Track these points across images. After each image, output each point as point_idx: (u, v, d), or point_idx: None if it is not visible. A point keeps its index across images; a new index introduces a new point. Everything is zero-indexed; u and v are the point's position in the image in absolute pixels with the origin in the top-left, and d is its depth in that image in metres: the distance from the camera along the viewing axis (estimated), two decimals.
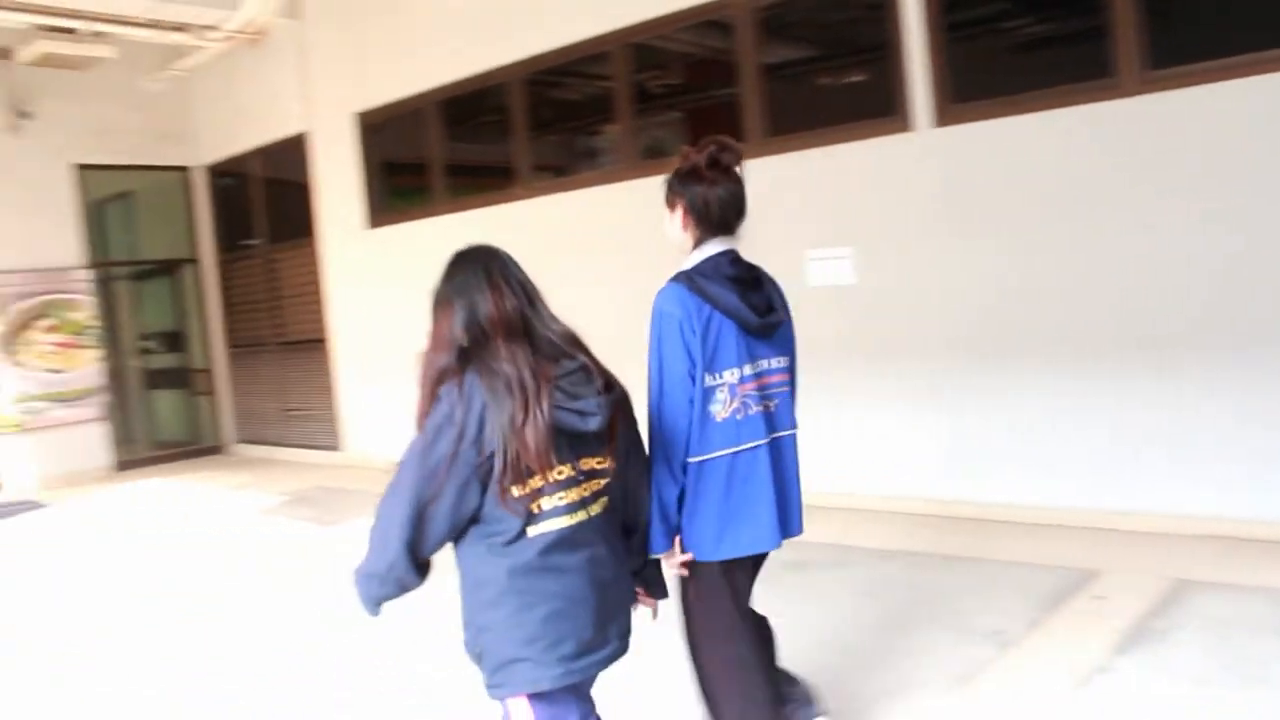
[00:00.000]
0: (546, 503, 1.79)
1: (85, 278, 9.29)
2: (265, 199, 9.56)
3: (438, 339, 1.85)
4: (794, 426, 2.31)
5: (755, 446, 2.16)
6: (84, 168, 9.36)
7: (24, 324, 8.88)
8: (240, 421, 10.24)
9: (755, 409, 2.17)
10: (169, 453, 10.10)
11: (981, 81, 4.94)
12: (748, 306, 2.17)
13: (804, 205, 5.58)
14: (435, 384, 1.81)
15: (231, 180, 9.97)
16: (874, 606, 3.88)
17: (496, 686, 1.84)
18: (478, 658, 1.87)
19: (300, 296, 9.18)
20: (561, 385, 1.79)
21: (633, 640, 1.94)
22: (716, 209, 2.21)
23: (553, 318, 1.89)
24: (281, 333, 9.51)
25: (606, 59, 6.41)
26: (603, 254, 6.49)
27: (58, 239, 9.15)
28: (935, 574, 4.23)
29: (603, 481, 1.90)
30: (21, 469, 8.80)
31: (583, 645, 1.82)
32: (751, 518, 2.18)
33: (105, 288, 9.80)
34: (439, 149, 7.74)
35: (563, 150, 7.29)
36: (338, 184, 8.57)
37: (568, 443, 1.80)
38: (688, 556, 2.19)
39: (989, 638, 3.43)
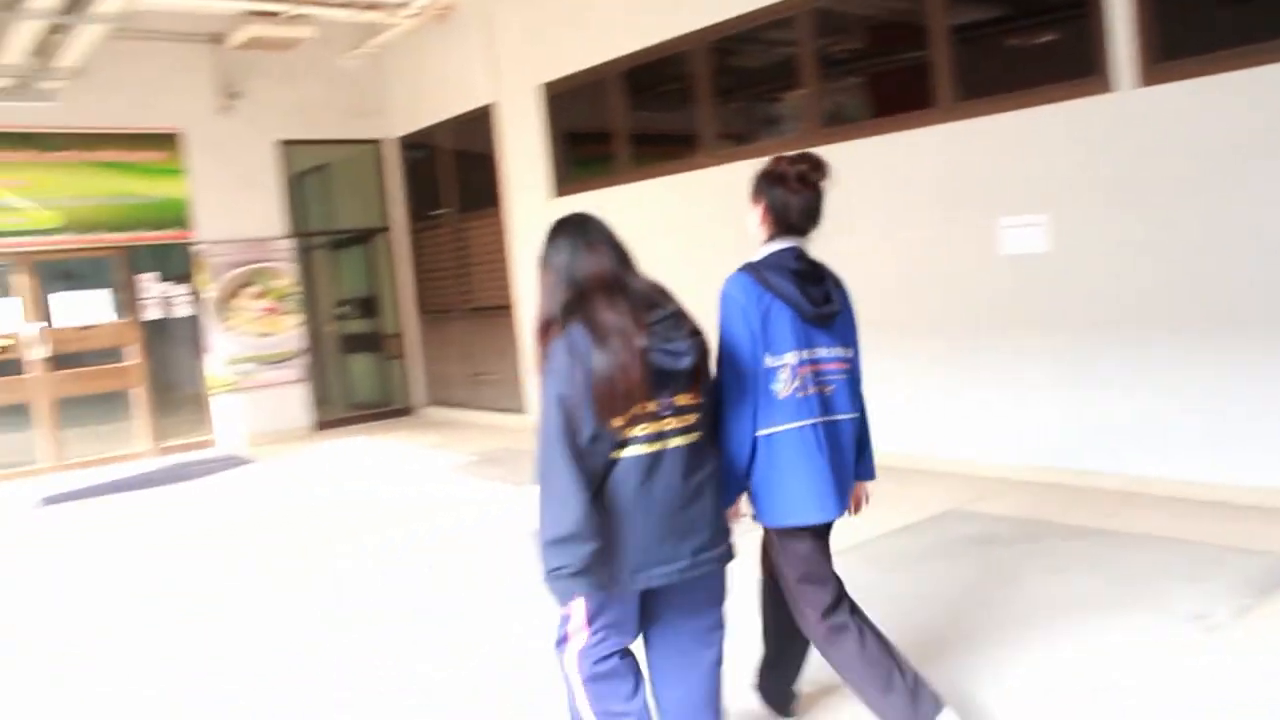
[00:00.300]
0: (635, 431, 2.16)
1: (287, 247, 10.46)
2: (453, 169, 10.40)
3: (544, 297, 2.28)
4: (854, 411, 2.61)
5: (814, 424, 2.48)
6: (286, 143, 10.50)
7: (234, 291, 10.10)
8: (430, 384, 11.24)
9: (812, 390, 2.50)
10: (363, 414, 11.28)
11: (1190, 38, 4.93)
12: (805, 297, 2.49)
13: (995, 171, 5.71)
14: (543, 336, 2.23)
15: (421, 152, 10.90)
16: (1064, 586, 4.00)
17: (555, 582, 2.18)
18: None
19: (487, 264, 9.98)
20: (656, 329, 2.18)
21: (712, 555, 2.28)
22: (795, 214, 2.56)
23: (642, 274, 2.28)
24: (469, 299, 10.37)
25: (790, 24, 6.69)
26: None
27: (263, 211, 10.33)
28: (1126, 552, 4.31)
29: (692, 417, 2.25)
30: (233, 426, 10.03)
31: (649, 555, 2.18)
32: (810, 490, 2.48)
33: (304, 256, 10.95)
34: (622, 118, 8.24)
35: (745, 117, 7.63)
36: (523, 154, 9.25)
37: (661, 380, 2.18)
38: (743, 513, 2.54)
39: (1193, 621, 3.48)
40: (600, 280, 2.22)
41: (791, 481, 2.49)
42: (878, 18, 6.50)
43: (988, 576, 4.19)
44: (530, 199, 9.25)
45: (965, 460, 6.09)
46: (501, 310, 9.83)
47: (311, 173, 11.55)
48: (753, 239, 2.64)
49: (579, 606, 2.24)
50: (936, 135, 6.02)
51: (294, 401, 10.44)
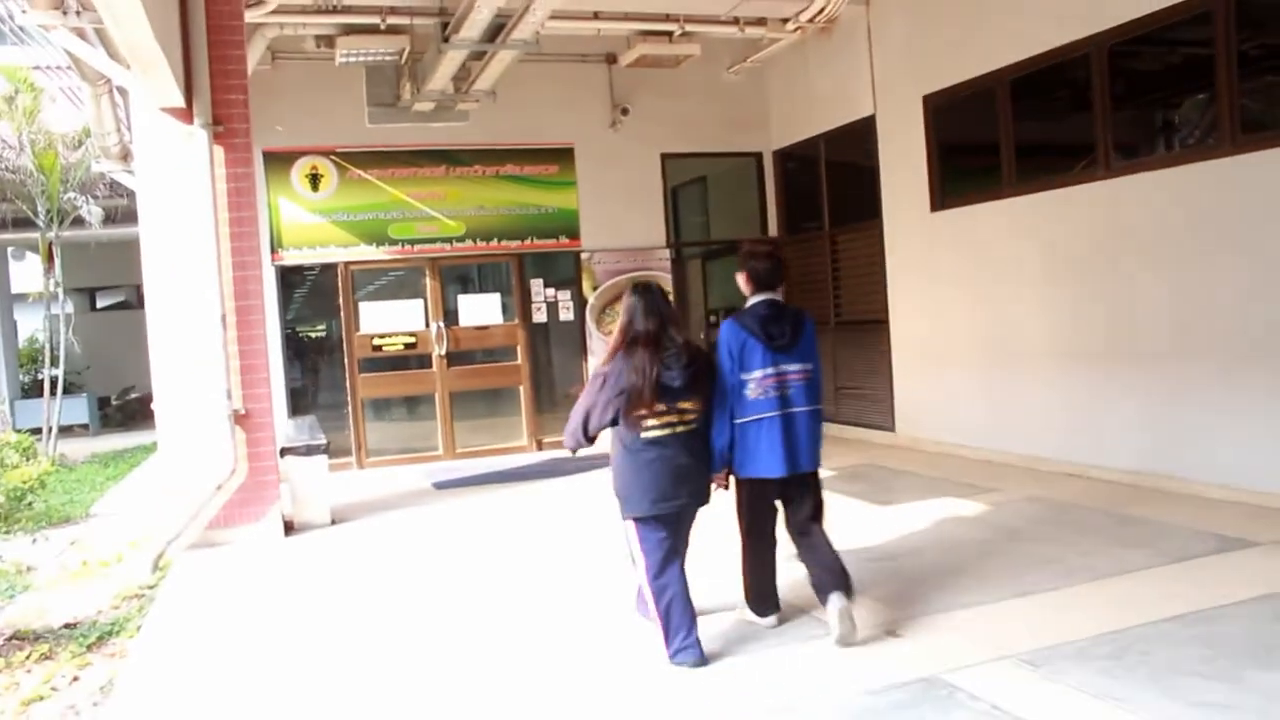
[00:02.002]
0: (650, 422, 4.42)
1: (666, 256, 11.84)
2: (830, 182, 11.31)
3: (619, 335, 4.52)
4: (809, 404, 4.70)
5: (772, 415, 4.62)
6: (668, 156, 11.95)
7: (614, 297, 11.61)
8: None
9: (773, 394, 4.63)
10: None
11: None
12: (765, 334, 4.65)
13: None
14: (610, 357, 4.49)
15: (798, 164, 11.94)
16: None
17: (621, 508, 4.58)
18: (618, 495, 4.58)
19: (861, 278, 10.80)
20: (667, 363, 4.41)
21: (696, 500, 4.57)
22: (765, 277, 4.80)
23: (676, 332, 4.52)
24: (841, 312, 11.26)
25: (1207, 20, 6.78)
26: (1190, 240, 7.03)
27: (647, 221, 11.87)
28: None
29: (690, 415, 4.51)
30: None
31: (661, 495, 4.45)
32: (764, 455, 4.63)
33: (678, 266, 12.28)
34: (1007, 129, 8.70)
35: (1140, 126, 7.76)
36: (903, 167, 9.96)
37: (667, 392, 4.42)
38: (721, 476, 4.70)
39: None
40: (646, 337, 4.46)
41: (752, 450, 4.66)
42: None
43: None
44: (908, 213, 9.92)
45: None
46: (874, 325, 10.60)
47: (689, 185, 12.94)
48: (747, 295, 4.84)
49: (631, 525, 4.58)
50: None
51: None
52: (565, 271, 11.68)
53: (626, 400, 4.38)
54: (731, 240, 12.73)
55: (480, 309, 11.56)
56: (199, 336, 7.37)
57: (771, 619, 4.95)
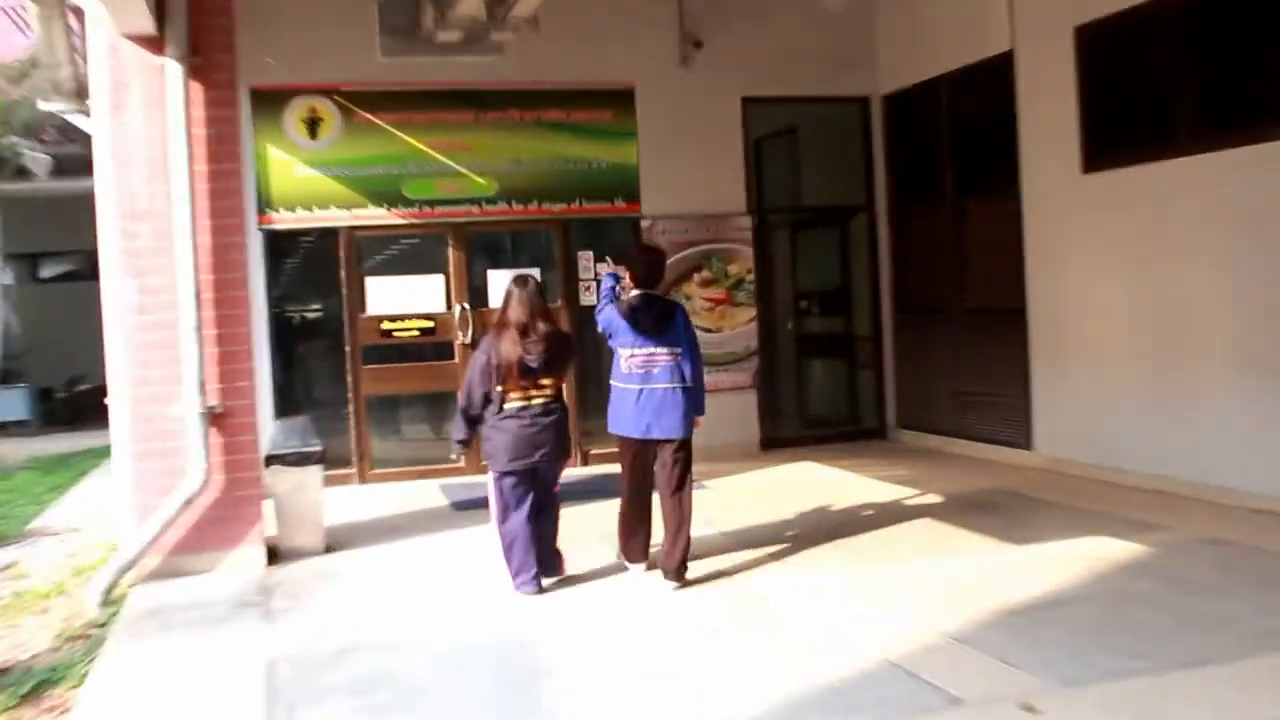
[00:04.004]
0: (513, 394, 6.66)
1: (746, 226, 11.77)
2: (953, 136, 11.11)
3: (499, 317, 6.82)
4: (671, 383, 6.73)
5: (636, 388, 6.74)
6: (751, 101, 11.86)
7: (681, 275, 11.52)
8: (905, 402, 12.17)
9: (638, 370, 6.76)
10: (820, 433, 12.47)
11: None
12: (635, 319, 6.79)
13: None
14: (487, 335, 6.90)
15: (913, 113, 11.76)
16: None
17: (487, 464, 6.88)
18: (484, 454, 6.89)
19: (991, 255, 10.64)
20: (528, 347, 6.61)
21: (550, 458, 6.74)
22: (645, 278, 6.98)
23: (544, 323, 6.69)
24: (965, 299, 11.10)
25: None
26: None
27: (722, 182, 11.77)
28: None
29: (546, 391, 6.73)
30: None
31: (518, 454, 6.64)
32: (628, 419, 6.79)
33: (762, 237, 12.13)
34: (1185, 69, 8.47)
35: None
36: (1046, 117, 9.79)
37: (527, 372, 6.62)
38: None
39: None
40: (516, 323, 6.64)
41: (617, 412, 6.86)
42: None
43: None
44: (1053, 175, 9.76)
45: None
46: (1007, 314, 10.43)
47: (776, 137, 12.82)
48: (629, 288, 7.03)
49: (493, 479, 6.80)
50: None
51: (739, 412, 11.76)
52: (621, 242, 11.57)
53: (495, 375, 6.61)
54: (829, 207, 12.62)
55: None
56: (166, 316, 7.35)
57: (639, 565, 6.99)
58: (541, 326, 6.67)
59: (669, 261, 11.29)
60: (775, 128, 12.67)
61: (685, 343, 6.86)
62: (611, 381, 6.95)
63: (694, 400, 6.89)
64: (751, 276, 11.86)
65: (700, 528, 7.16)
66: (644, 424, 6.75)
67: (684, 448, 6.84)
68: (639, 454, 6.90)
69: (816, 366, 13.25)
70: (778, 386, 12.65)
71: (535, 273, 11.16)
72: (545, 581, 6.73)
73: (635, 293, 6.97)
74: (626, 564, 7.01)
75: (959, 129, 11.11)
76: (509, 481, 6.69)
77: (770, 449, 11.83)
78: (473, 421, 6.83)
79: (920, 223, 11.64)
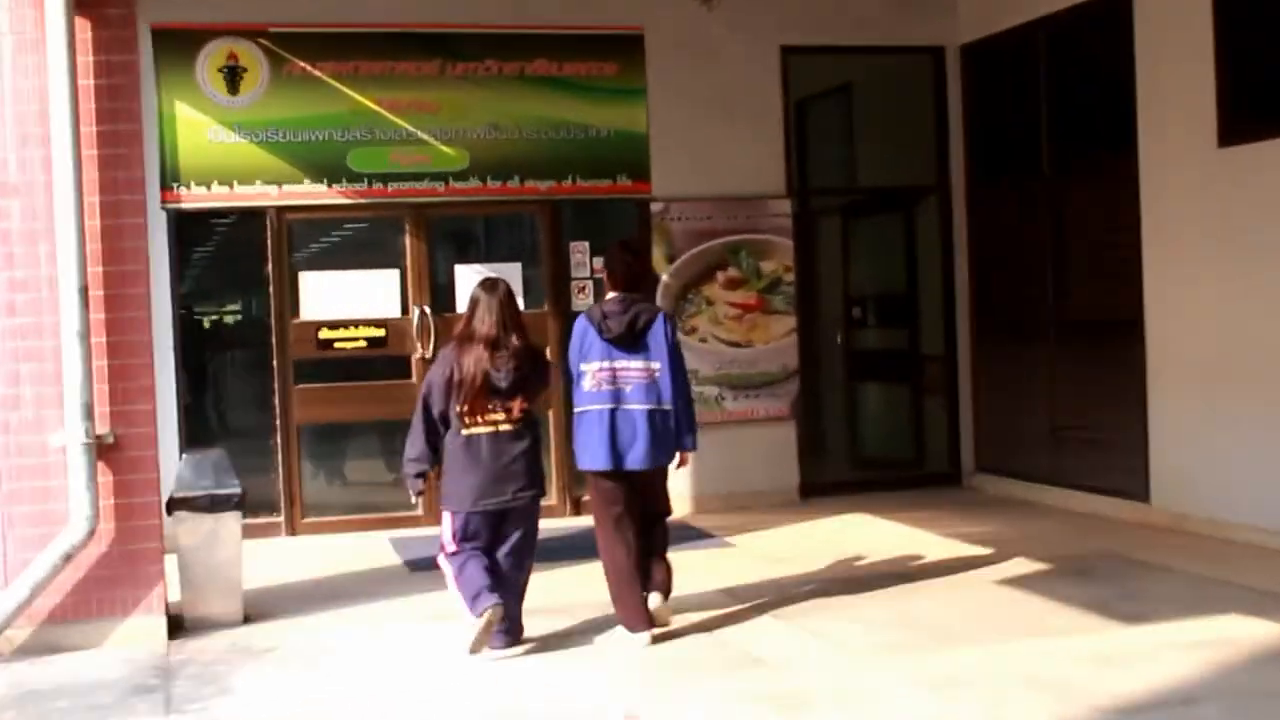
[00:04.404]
0: (476, 419, 7.03)
1: (784, 212, 11.75)
2: (1052, 97, 11.11)
3: (462, 327, 7.23)
4: (646, 403, 7.10)
5: (602, 409, 7.08)
6: (791, 52, 11.85)
7: (701, 274, 11.51)
8: (985, 440, 12.16)
9: (606, 387, 7.11)
10: (876, 477, 12.47)
11: None
12: (604, 325, 7.13)
13: None
14: (446, 347, 7.43)
15: (1000, 67, 11.77)
16: None
17: (444, 502, 7.24)
18: (443, 490, 7.28)
19: (1099, 252, 10.66)
20: (496, 363, 6.98)
21: (526, 499, 7.15)
22: (626, 281, 7.37)
23: (515, 337, 7.07)
24: (1064, 308, 11.06)
25: None
26: None
27: (754, 156, 11.78)
28: None
29: (513, 415, 7.07)
30: (676, 478, 11.33)
31: (486, 493, 7.02)
32: (595, 448, 7.09)
33: (804, 226, 12.10)
34: None
35: None
36: (1174, 74, 9.77)
37: (494, 392, 7.01)
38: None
39: None
40: (485, 336, 7.02)
41: (585, 441, 7.16)
42: None
43: None
44: (1181, 147, 9.75)
45: None
46: (1118, 328, 10.42)
47: (824, 98, 12.80)
48: (606, 290, 7.57)
49: (447, 517, 7.17)
50: None
51: (774, 449, 11.78)
52: (624, 230, 11.53)
53: (456, 394, 6.99)
54: (890, 188, 12.59)
55: None
56: (42, 319, 7.31)
57: (643, 634, 7.12)
58: (513, 341, 7.06)
59: (686, 255, 11.44)
60: (823, 86, 12.69)
61: (665, 357, 7.20)
62: (575, 408, 7.30)
63: (678, 426, 7.27)
64: (791, 276, 11.84)
65: (721, 598, 7.37)
66: (614, 453, 7.05)
67: (662, 479, 7.45)
68: (612, 493, 7.20)
69: (872, 392, 13.20)
70: (823, 417, 12.59)
71: (515, 270, 11.26)
72: (506, 651, 6.99)
73: (611, 296, 7.36)
74: (630, 634, 7.11)
75: (1059, 89, 11.07)
76: (472, 525, 7.05)
77: (813, 497, 11.78)
78: (433, 448, 7.19)
79: (1007, 209, 11.63)
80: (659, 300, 11.40)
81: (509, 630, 6.99)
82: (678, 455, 7.41)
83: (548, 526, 10.49)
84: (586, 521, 10.66)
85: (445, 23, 10.95)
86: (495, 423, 6.98)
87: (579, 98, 11.44)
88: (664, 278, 11.49)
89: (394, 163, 11.06)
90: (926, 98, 12.37)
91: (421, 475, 7.26)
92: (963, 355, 12.26)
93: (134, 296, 7.54)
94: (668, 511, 7.57)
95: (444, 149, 11.14)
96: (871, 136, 13.09)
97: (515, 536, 7.17)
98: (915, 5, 12.02)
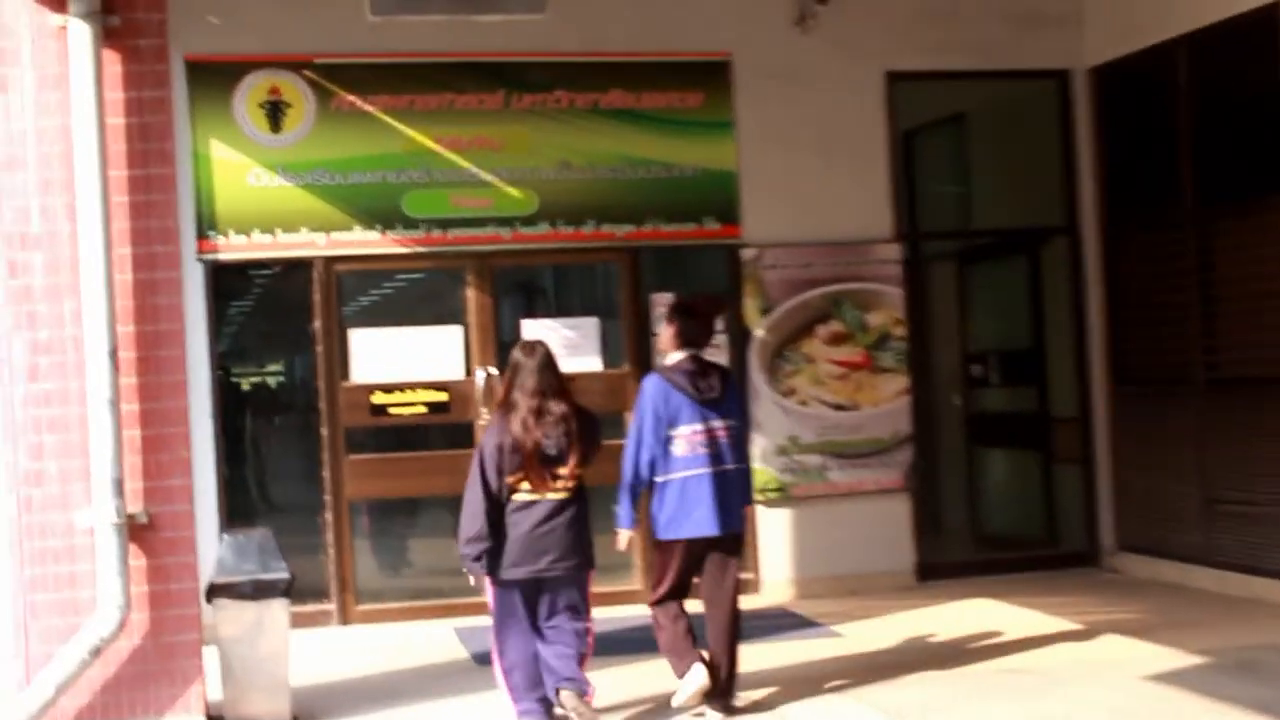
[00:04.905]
0: (523, 486, 7.39)
1: (894, 258, 11.68)
2: (1195, 124, 10.99)
3: (503, 395, 7.71)
4: (738, 462, 7.84)
5: (704, 472, 7.59)
6: (896, 78, 11.79)
7: (800, 328, 11.42)
8: (1128, 514, 11.92)
9: (704, 450, 7.62)
10: (1002, 558, 12.27)
11: None
12: (694, 389, 7.66)
13: None
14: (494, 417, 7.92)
15: (1136, 92, 11.65)
16: None
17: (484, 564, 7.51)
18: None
19: (1257, 300, 10.41)
20: (544, 429, 7.36)
21: (562, 569, 7.36)
22: (695, 337, 7.88)
23: (558, 402, 7.42)
24: (1217, 363, 10.92)
25: None
26: None
27: (858, 195, 11.71)
28: None
29: (566, 483, 7.43)
30: (782, 561, 11.22)
31: (521, 559, 7.34)
32: (698, 514, 7.54)
33: (914, 273, 12.02)
34: None
35: None
36: None
37: (544, 460, 7.37)
38: (626, 536, 7.91)
39: None
40: (528, 408, 7.35)
41: (680, 509, 7.58)
42: None
43: None
44: None
45: None
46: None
47: (935, 129, 12.76)
48: (661, 350, 9.13)
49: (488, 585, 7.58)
50: None
51: (886, 526, 11.63)
52: (713, 280, 11.51)
53: (508, 463, 7.31)
54: (1012, 230, 12.46)
55: (561, 344, 11.24)
56: (67, 385, 7.32)
57: (699, 670, 7.50)
58: (556, 406, 7.45)
59: (783, 307, 11.36)
60: (934, 115, 12.66)
61: (740, 413, 8.15)
62: (659, 478, 7.67)
63: (751, 484, 8.35)
64: (901, 330, 11.70)
65: (826, 696, 7.29)
66: (720, 516, 7.55)
67: (741, 545, 8.07)
68: (688, 557, 7.68)
69: (996, 460, 13.05)
70: (941, 489, 12.49)
71: (591, 325, 11.25)
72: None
73: (679, 355, 7.84)
74: (685, 674, 7.52)
75: (1204, 114, 10.93)
76: (508, 593, 7.46)
77: (931, 579, 11.63)
78: (494, 524, 7.39)
79: (1148, 251, 11.47)
80: (753, 358, 11.37)
81: (547, 705, 7.41)
82: (749, 510, 8.17)
83: (632, 614, 10.47)
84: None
85: (510, 51, 10.96)
86: (542, 492, 7.33)
87: (659, 132, 11.43)
88: (758, 333, 11.41)
89: (454, 206, 11.08)
90: (1051, 127, 12.25)
91: (482, 557, 7.40)
92: (1099, 417, 12.03)
93: (169, 359, 7.54)
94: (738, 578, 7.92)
95: (509, 191, 11.14)
96: (989, 171, 13.03)
97: (556, 613, 7.45)
98: (1037, 24, 11.92)
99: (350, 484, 10.92)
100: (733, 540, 7.77)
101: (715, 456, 7.57)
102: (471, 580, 7.72)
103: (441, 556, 11.20)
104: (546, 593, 7.41)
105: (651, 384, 7.78)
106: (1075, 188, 12.16)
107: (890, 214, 11.74)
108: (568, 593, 7.48)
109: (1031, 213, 12.40)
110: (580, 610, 7.57)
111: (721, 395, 7.74)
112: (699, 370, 7.72)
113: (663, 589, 7.71)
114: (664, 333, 8.12)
